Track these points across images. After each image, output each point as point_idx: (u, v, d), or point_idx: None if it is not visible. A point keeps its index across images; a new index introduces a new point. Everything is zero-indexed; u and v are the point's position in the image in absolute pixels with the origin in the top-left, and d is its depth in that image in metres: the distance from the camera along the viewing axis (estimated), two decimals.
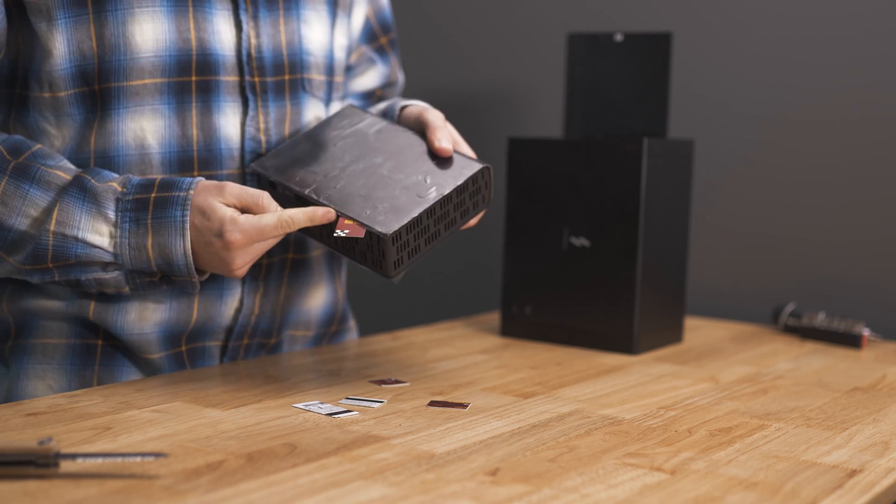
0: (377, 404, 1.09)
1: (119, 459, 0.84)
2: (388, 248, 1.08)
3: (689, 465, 0.93)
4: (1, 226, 1.11)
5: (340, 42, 1.34)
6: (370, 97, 1.43)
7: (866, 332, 1.48)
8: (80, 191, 1.11)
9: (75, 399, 1.06)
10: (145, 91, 1.15)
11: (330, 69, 1.31)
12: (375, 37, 1.42)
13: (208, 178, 1.19)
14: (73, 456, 0.84)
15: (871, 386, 1.26)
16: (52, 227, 1.10)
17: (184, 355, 1.22)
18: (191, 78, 1.17)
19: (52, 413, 1.01)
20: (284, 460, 0.89)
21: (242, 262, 1.10)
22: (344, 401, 1.10)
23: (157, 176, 1.15)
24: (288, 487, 0.83)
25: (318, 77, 1.28)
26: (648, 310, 1.40)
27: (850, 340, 1.48)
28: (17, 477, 0.82)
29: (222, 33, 1.19)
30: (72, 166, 1.14)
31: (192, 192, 1.10)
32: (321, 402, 1.08)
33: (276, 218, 1.09)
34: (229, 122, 1.20)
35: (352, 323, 1.43)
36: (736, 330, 1.59)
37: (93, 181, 1.12)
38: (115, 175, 1.14)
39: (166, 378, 1.17)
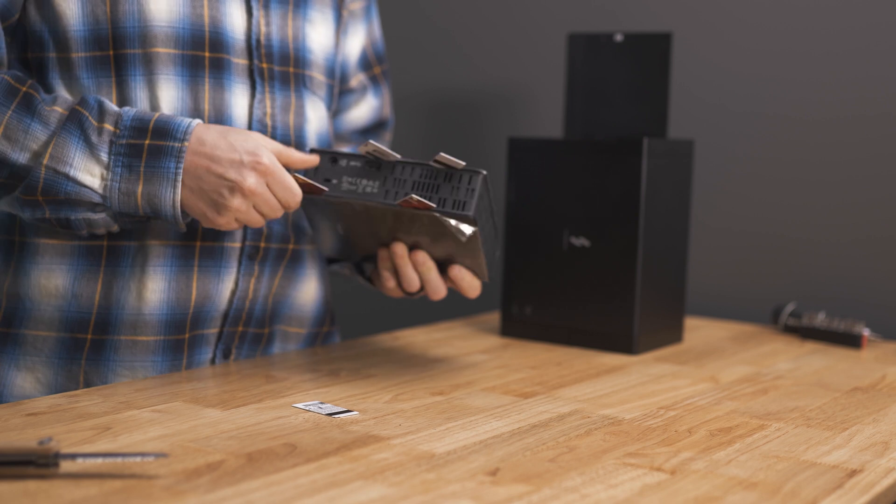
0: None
1: (119, 459, 0.84)
2: (477, 186, 1.11)
3: (689, 465, 0.93)
4: (5, 160, 1.12)
5: (337, 58, 1.36)
6: (361, 141, 1.46)
7: (866, 332, 1.48)
8: (78, 128, 1.11)
9: (75, 399, 1.07)
10: (159, 60, 1.17)
11: (331, 72, 1.34)
12: (370, 66, 1.45)
13: None
14: (73, 456, 0.84)
15: (871, 386, 1.26)
16: (45, 161, 1.11)
17: (185, 343, 1.22)
18: (204, 53, 1.19)
19: (52, 413, 1.01)
20: (284, 460, 0.89)
21: (252, 190, 1.11)
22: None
23: (154, 113, 1.14)
24: (288, 487, 0.83)
25: (318, 77, 1.31)
26: (648, 310, 1.40)
27: (850, 340, 1.48)
28: (17, 477, 0.82)
29: (233, 16, 1.21)
30: (69, 97, 1.15)
31: (186, 143, 1.11)
32: (321, 402, 1.09)
33: (296, 186, 1.12)
34: (238, 103, 1.22)
35: (337, 326, 1.44)
36: (736, 330, 1.59)
37: (90, 119, 1.12)
38: (113, 109, 1.13)
39: (166, 378, 1.17)
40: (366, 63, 1.44)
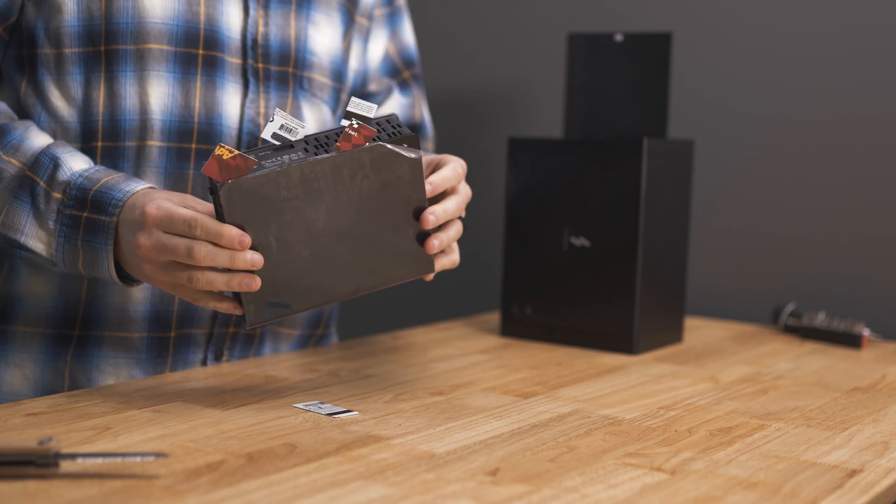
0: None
1: (119, 459, 0.84)
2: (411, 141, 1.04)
3: (689, 465, 0.93)
4: None
5: (353, 65, 1.35)
6: None
7: (866, 332, 1.48)
8: (29, 195, 1.11)
9: (75, 399, 1.07)
10: (150, 56, 1.16)
11: (337, 76, 1.32)
12: (398, 71, 1.43)
13: (206, 152, 1.20)
14: (73, 456, 0.84)
15: (871, 386, 1.26)
16: None
17: (170, 341, 1.22)
18: (198, 51, 1.19)
19: (52, 413, 1.01)
20: (284, 460, 0.89)
21: (147, 245, 1.02)
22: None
23: (101, 178, 1.10)
24: (288, 487, 0.83)
25: (320, 79, 1.30)
26: (648, 310, 1.40)
27: (850, 340, 1.48)
28: (17, 477, 0.82)
29: (230, 15, 1.21)
30: (33, 143, 1.13)
31: (115, 218, 1.07)
32: (321, 402, 1.09)
33: (190, 213, 1.00)
34: (230, 102, 1.21)
35: (334, 328, 1.44)
36: (736, 330, 1.59)
37: (41, 184, 1.11)
38: (65, 174, 1.11)
39: (166, 378, 1.17)
40: (392, 69, 1.42)
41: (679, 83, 1.73)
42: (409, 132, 1.05)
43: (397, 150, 1.04)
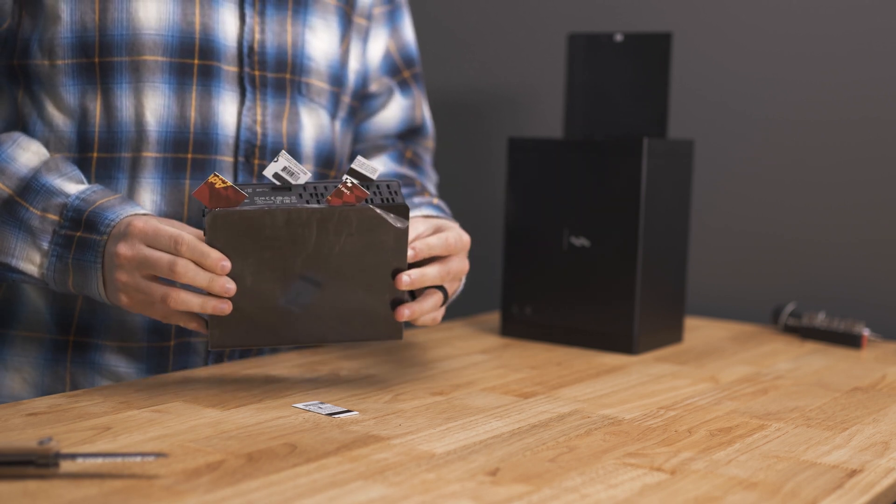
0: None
1: (119, 459, 0.84)
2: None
3: (689, 465, 0.93)
4: None
5: (353, 66, 1.35)
6: (399, 147, 1.42)
7: (866, 332, 1.48)
8: (15, 220, 1.11)
9: (75, 399, 1.07)
10: (145, 68, 1.16)
11: (336, 80, 1.31)
12: (398, 70, 1.42)
13: (202, 161, 1.20)
14: (73, 456, 0.84)
15: (871, 386, 1.26)
16: None
17: (170, 350, 1.22)
18: (193, 61, 1.18)
19: (52, 413, 1.01)
20: (284, 460, 0.89)
21: (127, 255, 1.05)
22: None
23: (97, 200, 1.11)
24: (288, 487, 0.83)
25: (318, 84, 1.29)
26: (648, 310, 1.40)
27: (850, 340, 1.48)
28: (17, 477, 0.82)
29: (226, 23, 1.20)
30: (20, 169, 1.13)
31: (106, 236, 1.08)
32: (321, 402, 1.09)
33: (177, 230, 1.03)
34: (227, 110, 1.21)
35: None
36: (736, 330, 1.59)
37: (31, 210, 1.11)
38: (59, 198, 1.12)
39: (165, 378, 1.17)
40: (393, 68, 1.41)
41: (679, 83, 1.73)
42: (402, 201, 1.06)
43: (385, 216, 1.05)
